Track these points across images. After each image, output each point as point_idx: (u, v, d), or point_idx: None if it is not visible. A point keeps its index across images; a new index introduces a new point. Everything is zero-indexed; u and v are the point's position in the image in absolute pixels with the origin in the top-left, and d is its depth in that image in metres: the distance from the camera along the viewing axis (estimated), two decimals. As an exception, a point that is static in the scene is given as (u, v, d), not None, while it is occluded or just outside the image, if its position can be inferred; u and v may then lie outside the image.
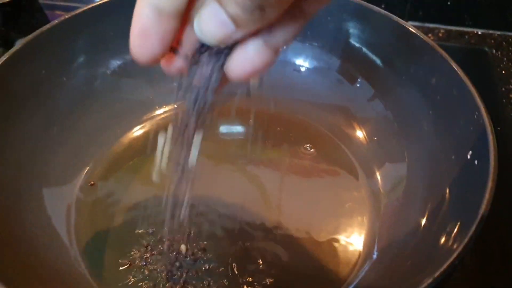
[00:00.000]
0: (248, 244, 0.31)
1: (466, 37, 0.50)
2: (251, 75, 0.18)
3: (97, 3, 0.35)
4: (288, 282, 0.29)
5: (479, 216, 0.23)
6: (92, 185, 0.34)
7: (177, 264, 0.30)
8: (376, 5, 0.35)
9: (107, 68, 0.38)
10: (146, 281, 0.29)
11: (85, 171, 0.35)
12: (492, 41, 0.49)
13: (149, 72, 0.39)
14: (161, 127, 0.39)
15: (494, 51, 0.48)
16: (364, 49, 0.36)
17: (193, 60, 0.18)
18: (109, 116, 0.38)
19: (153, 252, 0.30)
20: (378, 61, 0.36)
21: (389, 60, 0.36)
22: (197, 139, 0.22)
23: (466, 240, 0.22)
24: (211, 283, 0.29)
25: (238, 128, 0.39)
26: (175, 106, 0.44)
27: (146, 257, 0.30)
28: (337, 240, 0.31)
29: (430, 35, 0.50)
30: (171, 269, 0.30)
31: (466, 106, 0.28)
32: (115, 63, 0.38)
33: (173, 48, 0.18)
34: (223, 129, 0.39)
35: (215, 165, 0.36)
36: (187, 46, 0.18)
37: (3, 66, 0.30)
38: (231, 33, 0.16)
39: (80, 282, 0.29)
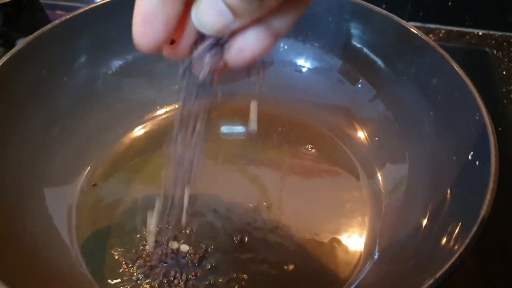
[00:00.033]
0: (249, 244, 0.31)
1: (467, 37, 0.50)
2: (251, 61, 0.18)
3: (98, 3, 0.35)
4: (289, 282, 0.29)
5: (481, 217, 0.23)
6: (94, 185, 0.34)
7: (179, 264, 0.30)
8: (377, 6, 0.35)
9: (108, 68, 0.38)
10: (147, 281, 0.29)
11: (86, 171, 0.35)
12: (493, 42, 0.49)
13: (150, 72, 0.39)
14: (162, 127, 0.39)
15: (494, 51, 0.48)
16: (365, 50, 0.37)
17: (195, 47, 0.18)
18: (110, 116, 0.38)
19: (154, 252, 0.30)
20: (379, 62, 0.36)
21: (390, 60, 0.36)
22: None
23: (467, 240, 0.22)
24: (212, 283, 0.29)
25: (239, 128, 0.39)
26: (177, 106, 0.44)
27: (148, 257, 0.30)
28: (338, 241, 0.31)
29: (430, 35, 0.50)
30: (172, 269, 0.30)
31: (467, 106, 0.28)
32: (117, 63, 0.38)
33: (173, 41, 0.18)
34: (224, 129, 0.39)
35: (216, 165, 0.36)
36: (189, 32, 0.18)
37: (4, 66, 0.30)
38: (229, 23, 0.16)
39: (81, 282, 0.29)
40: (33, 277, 0.26)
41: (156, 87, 0.40)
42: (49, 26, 0.33)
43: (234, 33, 0.17)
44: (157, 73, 0.40)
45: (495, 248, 0.32)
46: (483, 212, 0.23)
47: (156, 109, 0.40)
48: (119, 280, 0.29)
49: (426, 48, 0.32)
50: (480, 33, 0.50)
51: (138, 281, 0.29)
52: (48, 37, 0.33)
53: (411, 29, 0.33)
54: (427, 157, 0.32)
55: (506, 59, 0.47)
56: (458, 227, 0.25)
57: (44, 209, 0.31)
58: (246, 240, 0.31)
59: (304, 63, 0.40)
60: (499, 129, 0.38)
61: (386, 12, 0.34)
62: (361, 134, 0.38)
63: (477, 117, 0.27)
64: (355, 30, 0.37)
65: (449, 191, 0.28)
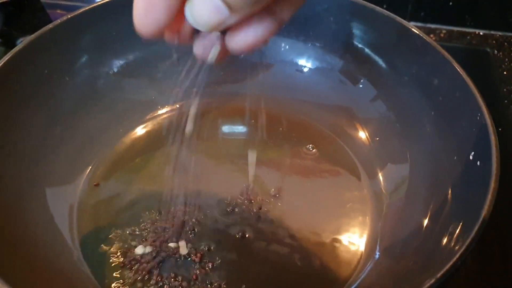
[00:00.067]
0: (250, 244, 0.31)
1: (468, 37, 0.50)
2: (253, 48, 0.17)
3: (99, 3, 0.35)
4: (290, 282, 0.29)
5: (482, 217, 0.23)
6: (97, 185, 0.34)
7: (180, 264, 0.30)
8: (378, 6, 0.35)
9: (109, 68, 0.38)
10: (149, 281, 0.29)
11: (88, 171, 0.35)
12: (494, 42, 0.49)
13: (151, 72, 0.40)
14: (163, 127, 0.39)
15: (495, 51, 0.48)
16: (367, 50, 0.37)
17: (196, 31, 0.18)
18: (112, 116, 0.38)
19: (156, 252, 0.30)
20: (380, 62, 0.36)
21: (391, 60, 0.36)
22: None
23: (468, 240, 0.22)
24: (213, 282, 0.29)
25: (240, 128, 0.39)
26: (177, 106, 0.44)
27: (149, 257, 0.30)
28: (339, 241, 0.31)
29: (431, 35, 0.50)
30: (174, 269, 0.30)
31: (468, 107, 0.28)
32: (118, 63, 0.38)
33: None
34: (225, 129, 0.39)
35: (217, 165, 0.36)
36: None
37: (6, 65, 0.30)
38: (225, 19, 0.15)
39: (82, 281, 0.29)
40: (34, 276, 0.26)
41: (157, 87, 0.40)
42: (50, 25, 0.33)
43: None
44: (158, 73, 0.40)
45: (496, 248, 0.32)
46: (484, 212, 0.23)
47: (157, 109, 0.40)
48: (120, 280, 0.29)
49: (427, 48, 0.32)
50: (481, 33, 0.50)
51: (139, 281, 0.29)
52: (49, 37, 0.33)
53: (412, 29, 0.33)
54: (428, 157, 0.32)
55: (507, 59, 0.47)
56: (459, 227, 0.25)
57: (46, 209, 0.31)
58: (247, 240, 0.31)
59: (306, 63, 0.40)
60: (500, 129, 0.38)
61: (387, 12, 0.34)
62: (362, 134, 0.38)
63: (478, 117, 0.27)
64: (356, 30, 0.37)
65: (450, 191, 0.28)
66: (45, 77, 0.34)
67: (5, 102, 0.31)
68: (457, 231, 0.25)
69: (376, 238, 0.31)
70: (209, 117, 0.40)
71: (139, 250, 0.31)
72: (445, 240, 0.25)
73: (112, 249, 0.31)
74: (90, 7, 0.35)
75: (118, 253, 0.30)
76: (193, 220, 0.32)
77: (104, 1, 0.36)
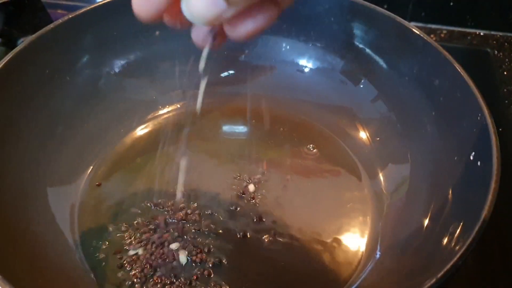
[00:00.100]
0: (250, 243, 0.31)
1: (468, 38, 0.50)
2: (253, 36, 0.17)
3: (101, 3, 0.35)
4: (290, 282, 0.29)
5: (482, 217, 0.23)
6: (99, 185, 0.35)
7: (181, 264, 0.30)
8: (379, 6, 0.35)
9: (111, 68, 0.38)
10: (149, 281, 0.29)
11: (89, 171, 0.35)
12: (494, 42, 0.49)
13: (152, 72, 0.40)
14: (164, 127, 0.40)
15: (496, 52, 0.48)
16: (367, 50, 0.37)
17: None
18: (113, 116, 0.38)
19: (157, 251, 0.31)
20: (381, 62, 0.36)
21: (392, 61, 0.36)
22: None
23: (469, 241, 0.22)
24: (214, 282, 0.29)
25: (240, 128, 0.39)
26: (179, 106, 0.44)
27: (150, 256, 0.30)
28: (339, 240, 0.31)
29: (432, 36, 0.50)
30: (174, 269, 0.30)
31: (469, 107, 0.28)
32: (119, 63, 0.38)
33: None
34: (226, 128, 0.39)
35: (218, 164, 0.36)
36: None
37: (7, 65, 0.30)
38: (221, 12, 0.15)
39: (83, 280, 0.29)
40: (35, 275, 0.27)
41: (158, 87, 0.40)
42: (51, 25, 0.33)
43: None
44: (160, 73, 0.40)
45: (496, 248, 0.32)
46: (485, 212, 0.23)
47: (158, 109, 0.40)
48: (120, 280, 0.29)
49: (428, 48, 0.32)
50: (481, 34, 0.50)
51: (139, 282, 0.29)
52: (50, 37, 0.33)
53: (413, 30, 0.33)
54: (428, 157, 0.32)
55: (507, 60, 0.47)
56: (459, 227, 0.25)
57: (47, 208, 0.31)
58: (248, 239, 0.31)
59: (306, 63, 0.40)
60: (500, 129, 0.38)
61: (388, 12, 0.34)
62: (363, 134, 0.38)
63: (478, 118, 0.27)
64: (357, 31, 0.37)
65: (450, 191, 0.28)
66: (46, 77, 0.34)
67: (6, 102, 0.31)
68: (458, 231, 0.25)
69: (376, 238, 0.31)
70: (210, 117, 0.40)
71: (140, 250, 0.31)
72: (445, 240, 0.25)
73: (113, 249, 0.31)
74: (91, 7, 0.35)
75: (119, 253, 0.30)
76: (194, 219, 0.32)
77: (105, 1, 0.36)
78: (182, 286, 0.29)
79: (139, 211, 0.33)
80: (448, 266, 0.22)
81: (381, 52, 0.36)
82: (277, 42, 0.40)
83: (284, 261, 0.30)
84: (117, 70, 0.38)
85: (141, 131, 0.39)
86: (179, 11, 0.16)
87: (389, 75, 0.36)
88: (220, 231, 0.32)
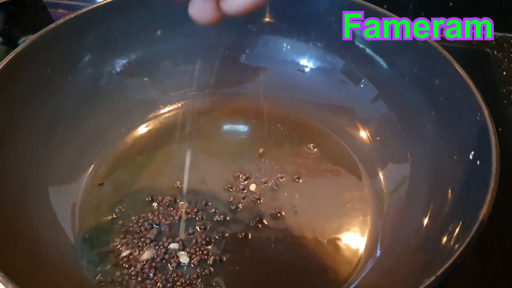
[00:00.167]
0: (250, 242, 0.31)
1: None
2: (250, 10, 0.17)
3: (102, 2, 0.36)
4: (291, 281, 0.30)
5: (481, 216, 0.23)
6: (101, 184, 0.35)
7: (182, 263, 0.30)
8: (379, 6, 0.35)
9: (112, 68, 0.38)
10: (150, 281, 0.29)
11: (90, 170, 0.35)
12: (494, 42, 0.49)
13: (154, 71, 0.40)
14: (165, 126, 0.40)
15: (495, 52, 0.48)
16: (368, 50, 0.37)
17: None
18: (114, 115, 0.38)
19: (157, 251, 0.31)
20: (381, 62, 0.36)
21: (393, 61, 0.36)
22: None
23: (468, 239, 0.23)
24: (215, 281, 0.29)
25: (241, 127, 0.40)
26: (179, 105, 0.44)
27: (151, 256, 0.30)
28: (340, 240, 0.32)
29: (432, 35, 0.50)
30: (175, 268, 0.30)
31: (469, 107, 0.28)
32: (120, 62, 0.38)
33: None
34: (227, 128, 0.39)
35: (218, 164, 0.36)
36: None
37: (9, 65, 0.30)
38: None
39: (84, 278, 0.29)
40: (36, 274, 0.27)
41: (159, 86, 0.40)
42: (53, 25, 0.33)
43: None
44: (161, 73, 0.40)
45: (496, 247, 0.32)
46: (484, 211, 0.23)
47: (159, 108, 0.40)
48: (121, 279, 0.29)
49: (428, 48, 0.32)
50: (481, 34, 0.50)
51: (140, 281, 0.29)
52: (52, 36, 0.33)
53: (413, 30, 0.33)
54: (428, 156, 0.32)
55: (506, 60, 0.47)
56: (459, 227, 0.25)
57: (48, 207, 0.32)
58: (249, 239, 0.31)
59: (307, 63, 0.40)
60: (500, 129, 0.38)
61: (388, 12, 0.35)
62: (363, 134, 0.38)
63: (478, 117, 0.27)
64: (357, 30, 0.37)
65: (450, 191, 0.28)
66: (48, 76, 0.34)
67: (7, 101, 0.31)
68: (457, 230, 0.25)
69: (376, 237, 0.31)
70: (210, 117, 0.40)
71: (141, 250, 0.31)
72: (445, 239, 0.25)
73: (113, 248, 0.31)
74: (93, 6, 0.35)
75: (120, 252, 0.31)
76: (195, 219, 0.32)
77: (107, 0, 0.36)
78: (183, 286, 0.29)
79: (140, 210, 0.33)
80: (448, 264, 0.22)
81: (382, 52, 0.36)
82: (277, 42, 0.40)
83: (284, 260, 0.30)
84: (118, 69, 0.38)
85: (142, 130, 0.39)
86: None
87: (389, 75, 0.36)
88: (221, 230, 0.32)
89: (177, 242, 0.31)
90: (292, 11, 0.38)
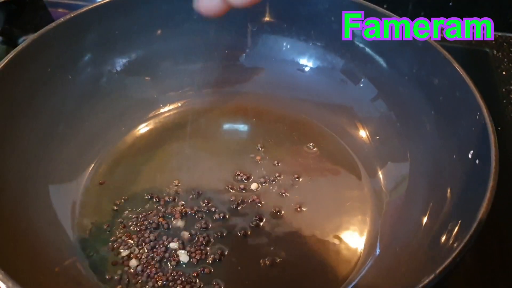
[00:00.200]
0: (250, 241, 0.31)
1: (468, 37, 0.50)
2: (255, 1, 0.17)
3: (102, 2, 0.36)
4: (290, 280, 0.30)
5: (480, 215, 0.23)
6: (102, 183, 0.35)
7: (181, 262, 0.30)
8: (378, 6, 0.35)
9: (112, 67, 0.38)
10: (150, 280, 0.29)
11: (90, 169, 0.35)
12: (493, 42, 0.49)
13: (154, 70, 0.40)
14: (165, 125, 0.40)
15: (494, 52, 0.48)
16: (367, 49, 0.37)
17: None
18: (114, 114, 0.38)
19: (158, 250, 0.31)
20: (381, 61, 0.36)
21: (392, 60, 0.36)
22: None
23: (467, 238, 0.23)
24: (214, 280, 0.29)
25: (242, 127, 0.40)
26: (179, 104, 0.44)
27: (151, 255, 0.30)
28: (339, 238, 0.32)
29: (431, 35, 0.50)
30: (175, 267, 0.30)
31: (468, 106, 0.28)
32: (121, 61, 0.38)
33: None
34: (227, 127, 0.40)
35: (218, 163, 0.36)
36: None
37: (9, 64, 0.30)
38: None
39: (84, 277, 0.29)
40: (36, 272, 0.27)
41: (160, 85, 0.40)
42: (53, 24, 0.33)
43: None
44: (161, 72, 0.40)
45: (495, 247, 0.32)
46: (483, 210, 0.23)
47: (159, 107, 0.40)
48: (120, 278, 0.29)
49: (428, 48, 0.32)
50: (480, 34, 0.50)
51: (140, 280, 0.29)
52: (52, 35, 0.33)
53: (413, 29, 0.33)
54: (428, 156, 0.32)
55: (506, 60, 0.47)
56: (458, 225, 0.25)
57: (49, 206, 0.32)
58: (248, 237, 0.31)
59: (307, 63, 0.40)
60: (499, 128, 0.39)
61: (388, 12, 0.35)
62: (363, 133, 0.38)
63: (477, 117, 0.28)
64: (357, 30, 0.37)
65: (449, 190, 0.28)
66: (48, 75, 0.34)
67: (7, 100, 0.31)
68: (456, 229, 0.25)
69: (376, 236, 0.31)
70: (210, 116, 0.40)
71: (141, 249, 0.31)
72: (444, 238, 0.26)
73: (113, 246, 0.31)
74: (93, 6, 0.35)
75: (120, 251, 0.31)
76: (195, 218, 0.32)
77: (107, 0, 0.36)
78: (182, 285, 0.29)
79: (140, 209, 0.33)
80: (446, 263, 0.22)
81: (381, 52, 0.36)
82: (277, 41, 0.40)
83: (284, 259, 0.30)
84: (118, 68, 0.38)
85: (142, 129, 0.39)
86: None
87: (389, 75, 0.36)
88: (221, 229, 0.32)
89: (177, 241, 0.31)
90: (292, 10, 0.38)
